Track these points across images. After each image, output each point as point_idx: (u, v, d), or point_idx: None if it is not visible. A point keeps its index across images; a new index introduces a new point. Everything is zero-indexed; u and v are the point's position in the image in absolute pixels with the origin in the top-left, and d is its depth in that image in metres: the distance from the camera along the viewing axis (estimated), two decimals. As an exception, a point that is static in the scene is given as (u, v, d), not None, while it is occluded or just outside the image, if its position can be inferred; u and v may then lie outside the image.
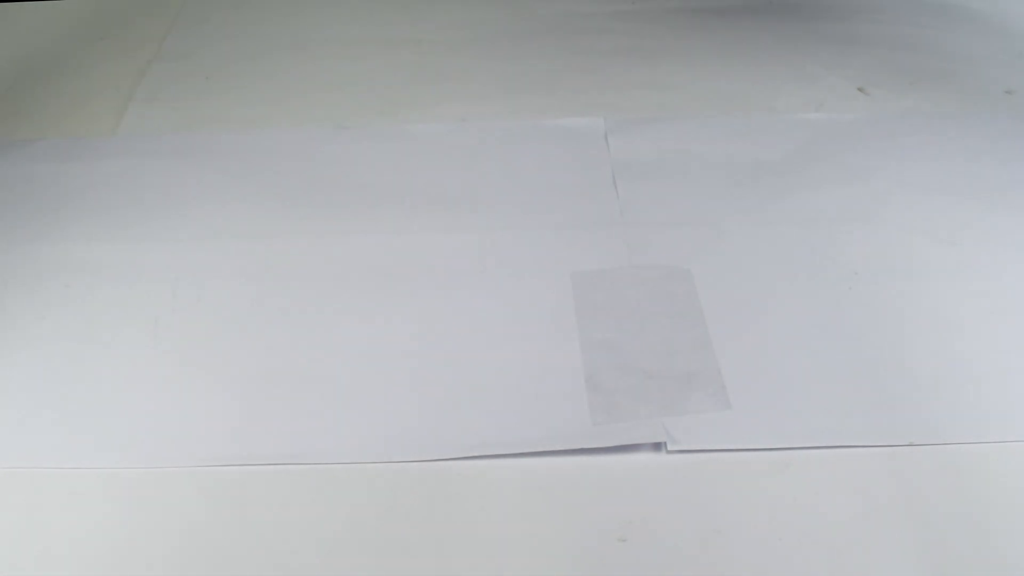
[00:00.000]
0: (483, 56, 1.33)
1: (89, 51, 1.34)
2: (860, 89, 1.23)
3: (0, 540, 0.70)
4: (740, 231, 0.97)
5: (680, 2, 1.44)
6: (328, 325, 0.86)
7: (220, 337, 0.85)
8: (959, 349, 0.84)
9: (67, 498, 0.73)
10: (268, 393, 0.80)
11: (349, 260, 0.93)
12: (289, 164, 1.06)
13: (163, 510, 0.72)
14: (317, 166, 1.05)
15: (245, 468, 0.74)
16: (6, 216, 1.01)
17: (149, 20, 1.41)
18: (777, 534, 0.70)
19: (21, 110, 1.21)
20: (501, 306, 0.88)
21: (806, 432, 0.77)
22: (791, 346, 0.84)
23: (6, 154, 1.10)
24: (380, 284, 0.90)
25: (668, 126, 1.14)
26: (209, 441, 0.76)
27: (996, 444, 0.76)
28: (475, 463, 0.76)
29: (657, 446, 0.77)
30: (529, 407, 0.78)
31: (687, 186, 1.04)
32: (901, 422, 0.77)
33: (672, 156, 1.09)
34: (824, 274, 0.92)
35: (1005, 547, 0.69)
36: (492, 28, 1.39)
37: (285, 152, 1.07)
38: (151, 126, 1.18)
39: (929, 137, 1.13)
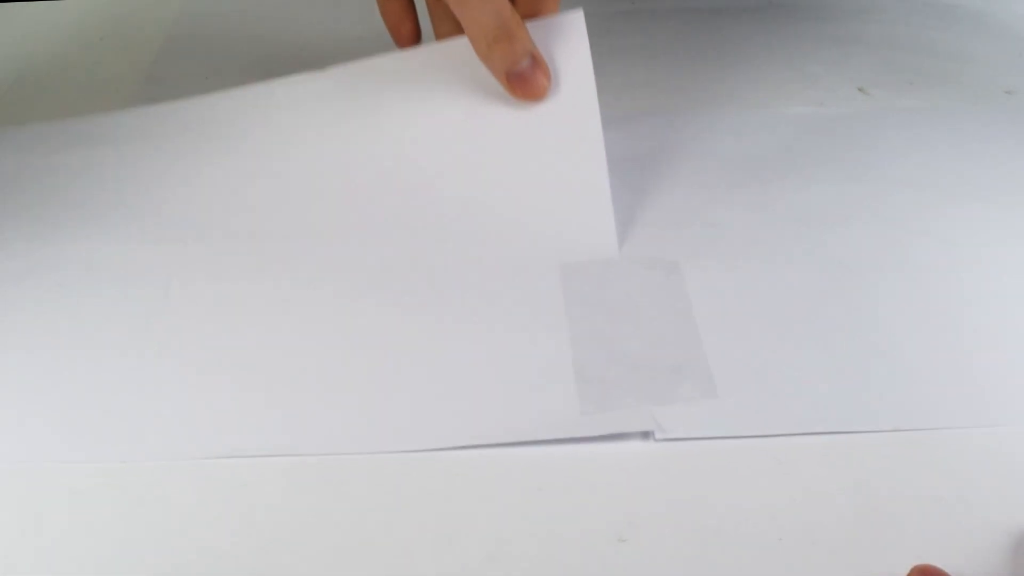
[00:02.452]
0: None
1: (89, 51, 1.36)
2: (860, 89, 1.24)
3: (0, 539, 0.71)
4: (734, 227, 0.99)
5: (679, 2, 1.46)
6: (315, 319, 0.88)
7: (211, 331, 0.87)
8: (955, 344, 0.85)
9: (67, 496, 0.74)
10: (256, 386, 0.82)
11: (339, 256, 0.95)
12: (281, 161, 1.06)
13: (161, 505, 0.73)
14: (311, 163, 1.05)
15: (237, 460, 0.75)
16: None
17: (149, 20, 1.43)
18: (777, 533, 0.71)
19: (20, 110, 1.22)
20: (489, 297, 0.90)
21: (794, 420, 0.78)
22: (780, 338, 0.86)
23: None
24: (369, 278, 0.92)
25: (663, 120, 1.16)
26: (203, 434, 0.78)
27: (983, 429, 0.77)
28: (470, 461, 0.76)
29: (646, 436, 0.78)
30: (517, 397, 0.80)
31: (681, 182, 1.06)
32: (888, 409, 0.79)
33: (667, 152, 1.11)
34: (815, 268, 0.93)
35: (995, 530, 0.69)
36: None
37: (277, 147, 1.07)
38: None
39: (928, 137, 1.14)
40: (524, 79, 0.95)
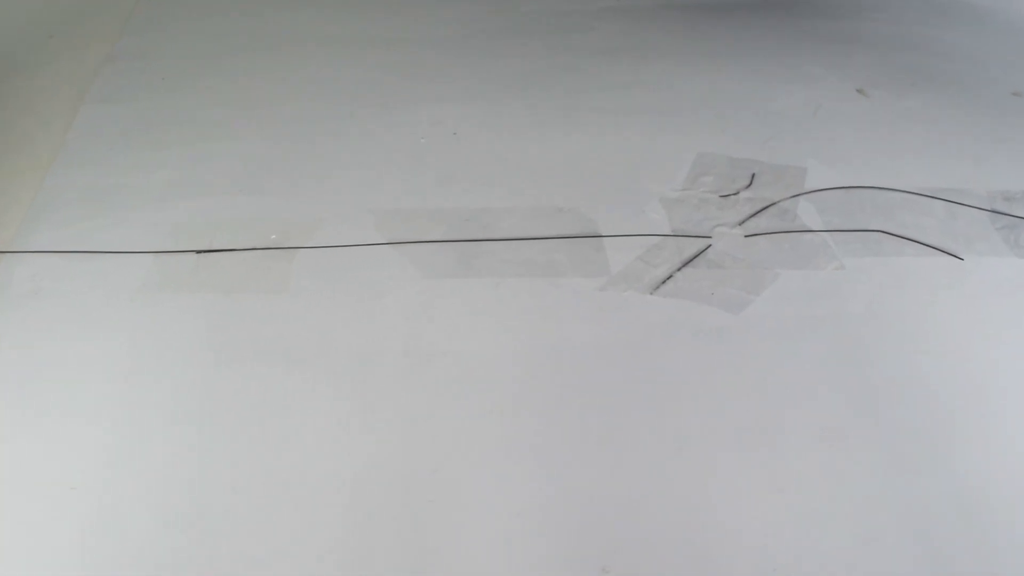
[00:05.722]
0: (464, 55, 1.34)
1: (38, 49, 1.34)
2: (859, 90, 1.25)
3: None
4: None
5: (668, -1, 1.45)
6: None
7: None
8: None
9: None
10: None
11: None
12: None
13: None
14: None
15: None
16: None
17: (102, 16, 1.41)
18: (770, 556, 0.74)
19: (-34, 111, 1.19)
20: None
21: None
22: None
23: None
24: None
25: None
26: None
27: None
28: (458, 492, 0.80)
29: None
30: None
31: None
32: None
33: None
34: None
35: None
36: (474, 26, 1.41)
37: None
38: (104, 130, 1.19)
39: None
40: None
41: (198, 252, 1.03)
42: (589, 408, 0.88)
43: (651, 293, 0.99)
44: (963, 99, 1.24)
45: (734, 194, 1.11)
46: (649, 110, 1.22)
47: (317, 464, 0.84)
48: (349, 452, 0.84)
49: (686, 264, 1.02)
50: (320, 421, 0.87)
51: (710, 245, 1.05)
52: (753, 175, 1.13)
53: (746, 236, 1.06)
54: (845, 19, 1.41)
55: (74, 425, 0.87)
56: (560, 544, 0.76)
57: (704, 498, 0.80)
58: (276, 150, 1.17)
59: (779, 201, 1.10)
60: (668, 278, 1.01)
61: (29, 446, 0.85)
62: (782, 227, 1.07)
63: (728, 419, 0.87)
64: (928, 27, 1.38)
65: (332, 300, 0.98)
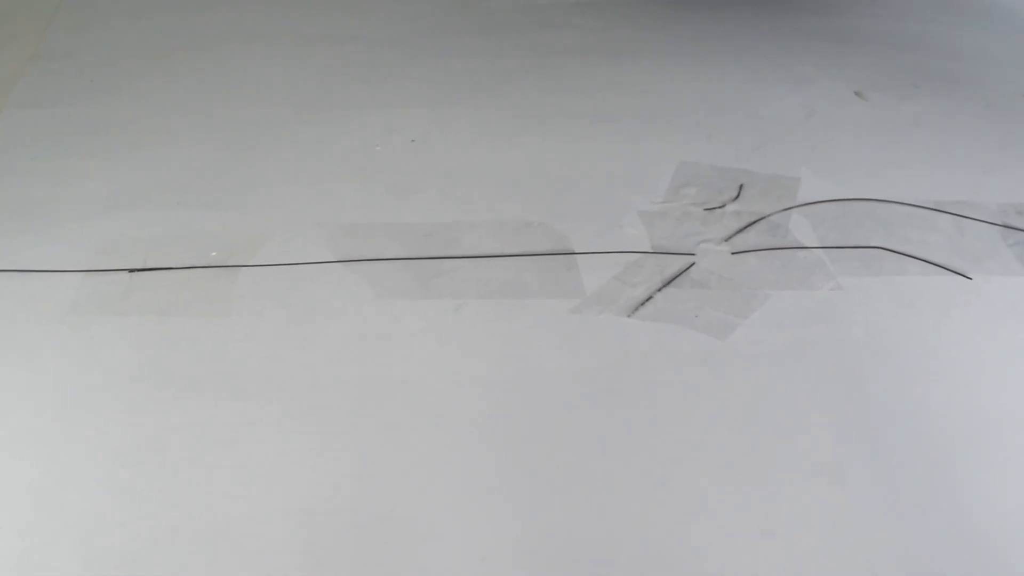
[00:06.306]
0: (420, 55, 1.32)
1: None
2: (857, 93, 1.22)
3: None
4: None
5: (648, -9, 1.43)
6: None
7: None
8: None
9: None
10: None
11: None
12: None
13: None
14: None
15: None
16: None
17: (25, 13, 1.39)
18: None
19: None
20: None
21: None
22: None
23: None
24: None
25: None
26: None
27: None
28: (417, 533, 0.78)
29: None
30: None
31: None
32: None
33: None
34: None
35: None
36: (435, 23, 1.39)
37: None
38: (28, 137, 1.16)
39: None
40: None
41: (131, 271, 1.01)
42: (560, 442, 0.86)
43: (629, 316, 0.97)
44: (971, 102, 1.22)
45: (720, 207, 1.09)
46: (627, 115, 1.20)
47: (263, 504, 0.80)
48: (298, 490, 0.81)
49: (668, 284, 1.01)
50: (266, 456, 0.84)
51: (694, 263, 1.03)
52: (741, 186, 1.12)
53: (733, 253, 1.04)
54: (842, 16, 1.40)
55: (-5, 461, 0.83)
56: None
57: (687, 541, 0.78)
58: (217, 159, 1.15)
59: (770, 215, 1.08)
60: (648, 299, 0.99)
61: (-55, 483, 0.81)
62: (773, 243, 1.05)
63: (714, 454, 0.85)
64: (932, 24, 1.37)
65: (278, 323, 0.96)
